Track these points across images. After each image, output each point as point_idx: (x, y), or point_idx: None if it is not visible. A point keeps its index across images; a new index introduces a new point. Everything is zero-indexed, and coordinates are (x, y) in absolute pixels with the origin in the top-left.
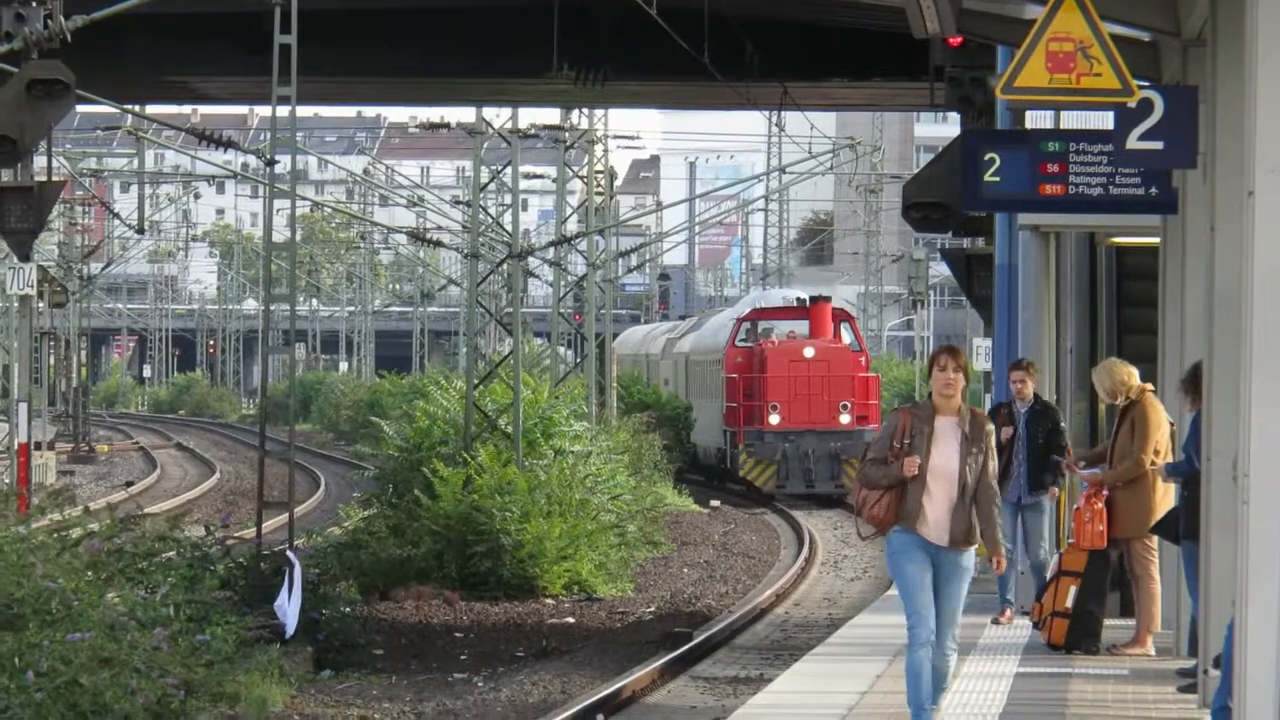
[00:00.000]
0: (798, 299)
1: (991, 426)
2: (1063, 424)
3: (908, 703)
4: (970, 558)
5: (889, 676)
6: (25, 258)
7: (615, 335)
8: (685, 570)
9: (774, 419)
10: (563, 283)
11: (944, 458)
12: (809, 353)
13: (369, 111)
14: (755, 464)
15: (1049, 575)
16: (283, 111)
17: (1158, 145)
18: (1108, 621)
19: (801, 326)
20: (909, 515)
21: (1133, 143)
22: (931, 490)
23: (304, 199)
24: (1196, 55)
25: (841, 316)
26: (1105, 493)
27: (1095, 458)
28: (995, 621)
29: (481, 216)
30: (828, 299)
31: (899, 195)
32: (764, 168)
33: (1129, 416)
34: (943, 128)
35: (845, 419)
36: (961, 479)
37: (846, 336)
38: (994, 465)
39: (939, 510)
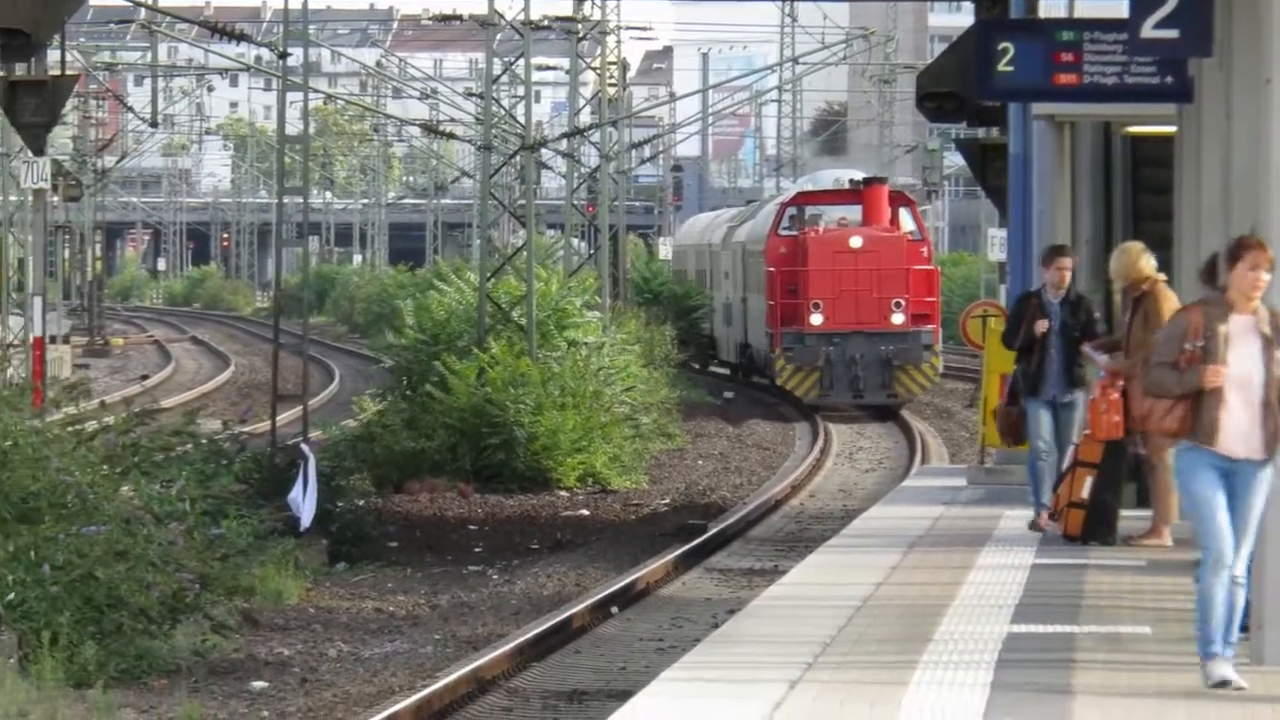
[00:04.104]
0: (850, 181)
1: None
2: (1097, 314)
3: (1196, 636)
4: (1272, 470)
5: (904, 568)
6: (39, 151)
7: (627, 228)
8: (700, 462)
9: (816, 319)
10: (575, 175)
11: (1242, 361)
12: (856, 242)
13: (382, 3)
14: (794, 371)
15: (1065, 466)
16: (295, 4)
17: (1173, 33)
18: (1124, 512)
19: (854, 212)
20: (1204, 429)
21: (1148, 31)
22: (1228, 399)
23: (317, 92)
24: None
25: (900, 200)
26: (1120, 383)
27: (1110, 345)
28: (1033, 527)
29: (494, 109)
30: (883, 180)
31: (913, 85)
32: (777, 58)
33: (1141, 306)
34: (957, 17)
35: (898, 319)
36: (1266, 385)
37: (907, 224)
38: None
39: (1237, 420)
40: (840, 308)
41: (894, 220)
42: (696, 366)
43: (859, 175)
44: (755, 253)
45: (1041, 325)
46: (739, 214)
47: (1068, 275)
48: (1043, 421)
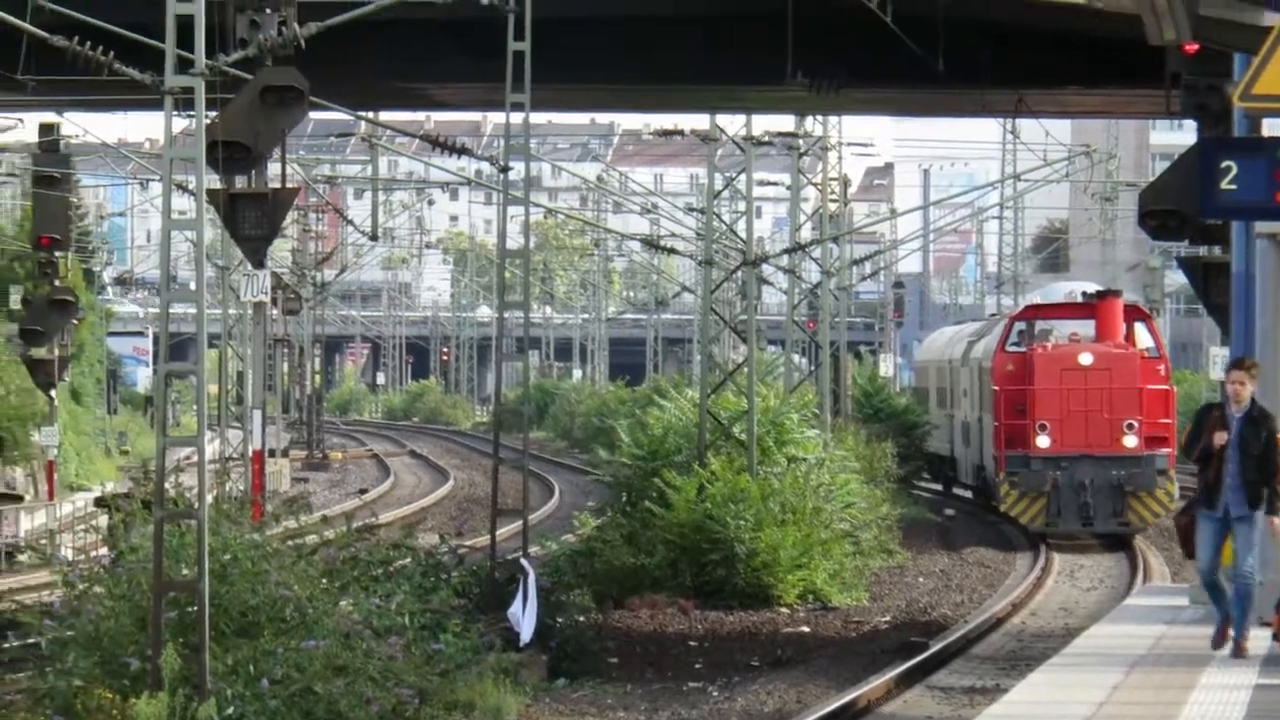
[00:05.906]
0: (1082, 294)
1: None
2: (1279, 434)
3: None
4: None
5: (1126, 687)
6: (259, 264)
7: (849, 344)
8: (920, 579)
9: (1042, 441)
10: (797, 290)
11: None
12: (1086, 359)
13: (602, 118)
14: (1020, 496)
15: None
16: (516, 118)
17: None
18: None
19: (1086, 327)
20: None
21: None
22: None
23: (538, 206)
24: None
25: (1136, 315)
26: None
27: None
28: (1216, 645)
29: (715, 223)
30: (1118, 293)
31: (1135, 203)
32: (998, 175)
33: None
34: (1178, 135)
35: (1131, 442)
36: None
37: (1144, 339)
38: None
39: None
40: (1069, 429)
41: (1129, 336)
42: (939, 487)
43: (1092, 288)
44: (988, 369)
45: (1220, 438)
46: (979, 328)
47: (1242, 389)
48: (1211, 536)
